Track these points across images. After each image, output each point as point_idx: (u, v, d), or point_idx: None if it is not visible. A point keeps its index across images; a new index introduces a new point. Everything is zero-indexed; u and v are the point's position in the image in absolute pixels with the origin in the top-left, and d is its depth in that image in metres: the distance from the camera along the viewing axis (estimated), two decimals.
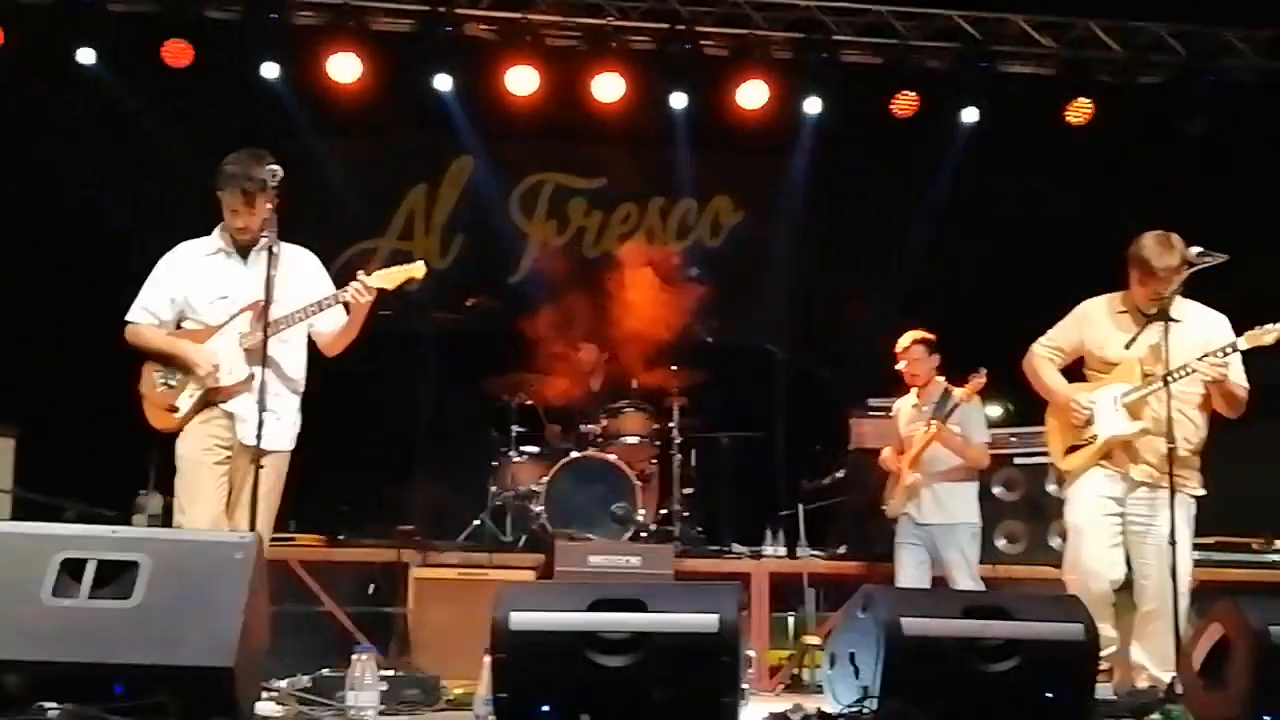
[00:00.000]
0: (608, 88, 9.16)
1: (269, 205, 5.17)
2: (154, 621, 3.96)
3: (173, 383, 5.33)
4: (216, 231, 5.45)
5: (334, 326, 5.47)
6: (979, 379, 6.80)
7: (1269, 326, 5.44)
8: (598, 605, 4.24)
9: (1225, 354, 5.47)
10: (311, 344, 5.56)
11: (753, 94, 9.25)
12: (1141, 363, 5.58)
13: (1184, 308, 5.62)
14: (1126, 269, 5.66)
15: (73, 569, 4.04)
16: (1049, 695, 4.30)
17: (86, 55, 8.63)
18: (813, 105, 9.40)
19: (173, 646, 3.93)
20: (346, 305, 5.36)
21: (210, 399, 5.30)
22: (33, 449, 7.56)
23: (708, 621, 4.18)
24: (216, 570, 4.10)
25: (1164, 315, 5.51)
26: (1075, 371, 5.94)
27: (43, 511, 6.92)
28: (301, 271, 5.47)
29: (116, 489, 7.63)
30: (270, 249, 5.13)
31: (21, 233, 8.72)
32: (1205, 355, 5.45)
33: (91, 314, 7.91)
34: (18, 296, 8.64)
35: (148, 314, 5.42)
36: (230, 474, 5.30)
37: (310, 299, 5.34)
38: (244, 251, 5.41)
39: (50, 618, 3.97)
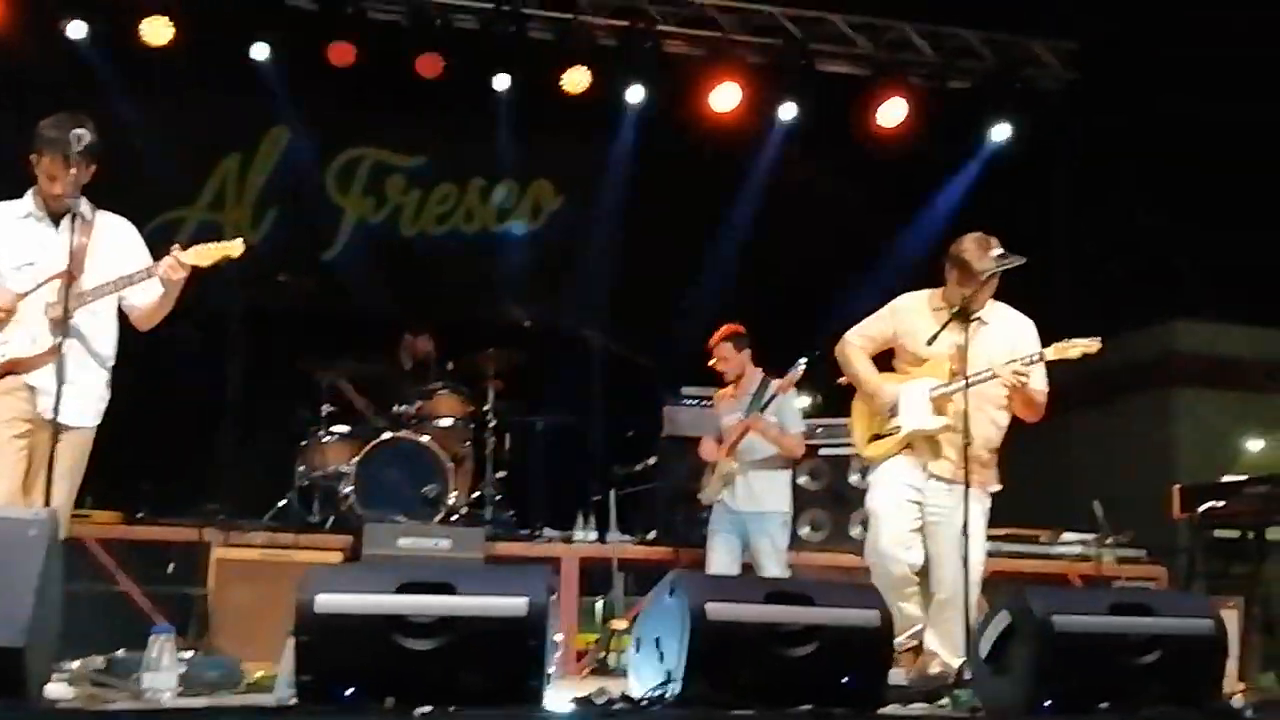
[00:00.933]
0: (429, 65, 9.07)
1: (84, 170, 5.00)
2: None
3: None
4: (29, 194, 5.23)
5: (148, 301, 5.27)
6: (797, 371, 6.94)
7: (1075, 341, 5.60)
8: (406, 588, 4.21)
9: (1030, 362, 5.64)
10: (123, 317, 5.37)
11: (577, 79, 9.27)
12: (950, 360, 5.70)
13: (994, 310, 5.80)
14: (945, 267, 5.81)
15: None
16: (845, 679, 4.43)
17: None
18: (635, 94, 9.47)
19: None
20: (160, 281, 5.16)
21: (11, 369, 5.08)
22: None
23: (516, 605, 4.19)
24: (9, 547, 3.95)
25: (965, 315, 5.69)
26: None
27: None
28: (117, 241, 5.27)
29: None
30: (81, 215, 4.98)
31: None
32: (1010, 362, 5.61)
33: None
34: None
35: None
36: (30, 448, 5.06)
37: (124, 271, 5.15)
38: (56, 217, 5.17)
39: None
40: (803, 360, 6.92)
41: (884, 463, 5.88)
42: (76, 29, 8.55)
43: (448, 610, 4.17)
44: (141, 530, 7.43)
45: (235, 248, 5.26)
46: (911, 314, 5.93)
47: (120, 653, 4.92)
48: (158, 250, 5.25)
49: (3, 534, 4.01)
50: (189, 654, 5.02)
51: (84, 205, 5.12)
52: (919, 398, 5.77)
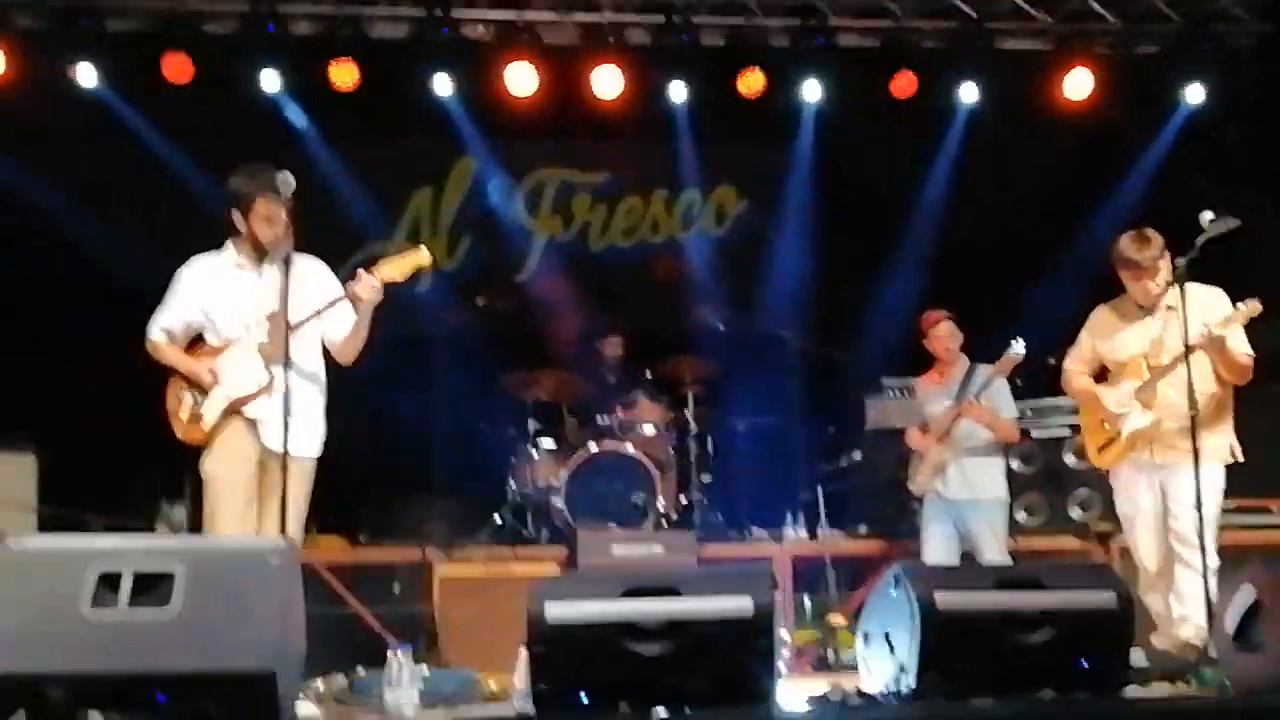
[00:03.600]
0: (607, 82, 9.17)
1: (286, 215, 5.26)
2: (193, 629, 3.97)
3: (196, 396, 5.38)
4: (229, 245, 5.49)
5: (344, 331, 5.47)
6: (1014, 353, 6.76)
7: (1237, 307, 5.78)
8: (631, 593, 4.26)
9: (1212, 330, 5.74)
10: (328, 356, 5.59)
11: (752, 82, 9.24)
12: (1146, 357, 6.00)
13: (1186, 291, 5.79)
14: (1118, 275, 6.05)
15: (110, 581, 4.06)
16: (1084, 664, 4.32)
17: (87, 74, 8.62)
18: (812, 91, 9.40)
19: (213, 653, 3.94)
20: (355, 303, 5.36)
21: (234, 408, 5.34)
22: (54, 467, 7.57)
23: (742, 604, 4.20)
24: (253, 576, 4.12)
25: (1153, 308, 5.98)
26: None
27: (68, 527, 6.95)
28: (313, 279, 5.49)
29: (138, 503, 7.66)
30: (285, 259, 5.20)
31: (37, 254, 8.73)
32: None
33: (109, 330, 7.96)
34: (34, 316, 8.66)
35: (163, 333, 5.49)
36: (259, 485, 5.32)
37: (328, 298, 5.39)
38: (258, 263, 5.44)
39: (90, 629, 3.98)
40: (1019, 342, 6.75)
41: (1118, 470, 6.16)
42: (270, 80, 8.85)
43: (675, 614, 4.20)
44: (365, 553, 7.69)
45: (423, 257, 5.45)
46: (1103, 326, 6.24)
47: (361, 671, 5.10)
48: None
49: (245, 564, 4.18)
50: (425, 669, 5.17)
51: (284, 249, 5.30)
52: (1124, 400, 6.03)
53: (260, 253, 5.41)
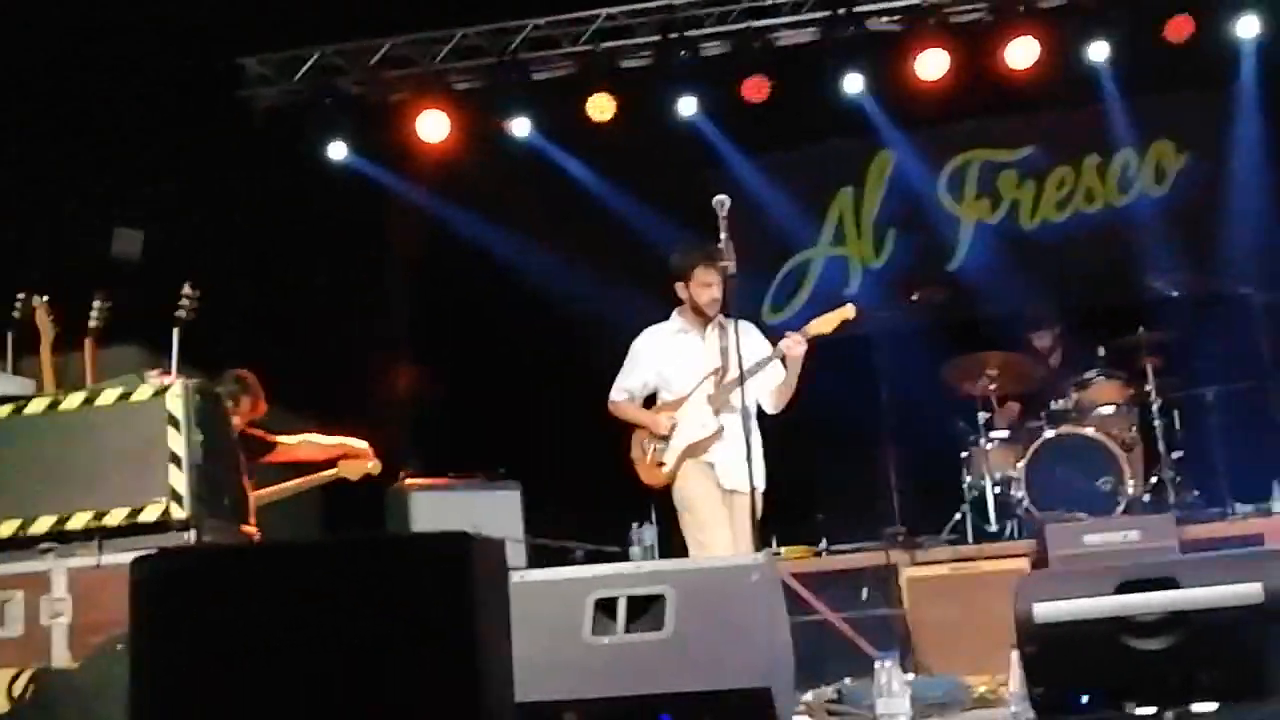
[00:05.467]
0: (1021, 53, 8.84)
1: (723, 279, 5.79)
2: (688, 649, 4.10)
3: (657, 445, 6.02)
4: (675, 314, 6.16)
5: (772, 385, 5.99)
6: None
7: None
8: (1125, 587, 4.06)
9: None
10: None
11: (1179, 27, 8.67)
12: None
13: None
14: None
15: (605, 607, 4.26)
16: None
17: (521, 126, 9.15)
18: (1248, 26, 8.71)
19: (711, 672, 4.06)
20: (784, 360, 5.89)
21: (691, 454, 5.96)
22: (535, 499, 8.08)
23: (1251, 591, 3.92)
24: (737, 593, 4.22)
25: None
26: None
27: (553, 555, 7.39)
28: (748, 338, 5.95)
29: (611, 529, 8.04)
30: (721, 324, 5.96)
31: (503, 300, 9.37)
32: None
33: (572, 365, 8.42)
34: (507, 359, 9.28)
35: (625, 392, 6.21)
36: (726, 508, 5.86)
37: (757, 360, 5.90)
38: (701, 327, 6.09)
39: (593, 655, 4.19)
40: None
41: None
42: (687, 105, 9.09)
43: (1176, 605, 3.97)
44: (831, 561, 7.74)
45: (849, 312, 5.97)
46: None
47: (847, 681, 5.11)
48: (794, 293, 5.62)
49: (729, 581, 4.29)
50: (909, 676, 5.13)
51: (719, 313, 5.99)
52: None
53: (702, 318, 6.05)
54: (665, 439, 6.00)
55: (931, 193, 9.94)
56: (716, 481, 5.92)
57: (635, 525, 7.82)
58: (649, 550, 7.74)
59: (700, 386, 6.01)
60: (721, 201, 5.53)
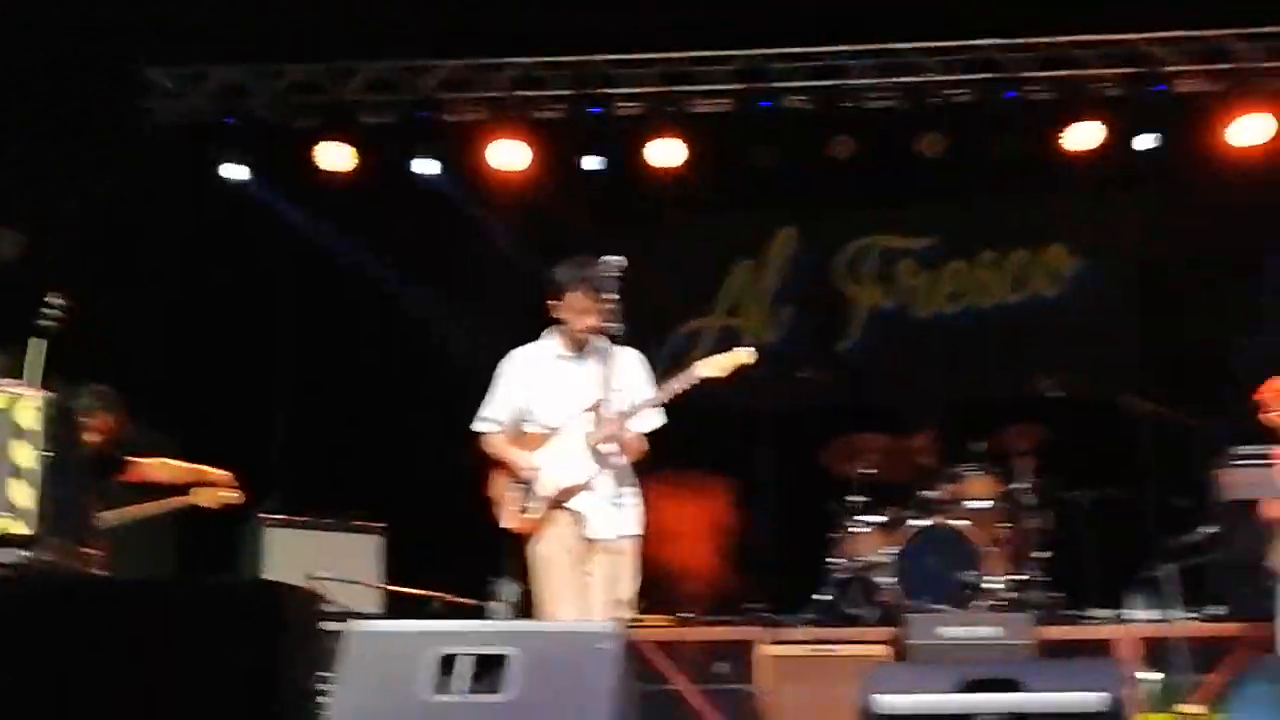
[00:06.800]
0: (929, 143, 8.97)
1: (604, 306, 5.32)
2: (529, 714, 4.01)
3: (523, 489, 5.49)
4: (551, 336, 5.60)
5: (647, 429, 5.48)
6: None
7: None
8: (970, 686, 4.06)
9: None
10: None
11: (1083, 135, 8.87)
12: None
13: None
14: None
15: (448, 664, 4.14)
16: None
17: (428, 166, 9.08)
18: (1145, 141, 8.93)
19: None
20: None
21: (558, 501, 5.44)
22: (396, 544, 7.91)
23: (1095, 700, 3.93)
24: (584, 659, 4.13)
25: None
26: None
27: (410, 604, 7.23)
28: (632, 370, 5.52)
29: (473, 578, 7.90)
30: (604, 349, 5.35)
31: (382, 338, 9.25)
32: None
33: (440, 414, 8.29)
34: (373, 403, 9.14)
35: (491, 424, 5.62)
36: (588, 563, 5.41)
37: (643, 396, 5.44)
38: (578, 352, 5.52)
39: (431, 713, 4.06)
40: None
41: None
42: (590, 162, 9.09)
43: (1019, 708, 3.97)
44: (690, 631, 7.67)
45: (748, 355, 5.45)
46: None
47: None
48: (681, 361, 5.50)
49: (576, 647, 4.20)
50: None
51: (601, 339, 5.43)
52: None
53: (579, 342, 5.49)
54: (528, 483, 5.46)
55: (829, 274, 10.01)
56: (580, 534, 5.39)
57: (496, 579, 7.68)
58: (512, 605, 7.61)
59: (574, 421, 5.44)
60: (609, 263, 5.26)
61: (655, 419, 5.50)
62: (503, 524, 5.56)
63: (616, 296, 5.31)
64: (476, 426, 5.65)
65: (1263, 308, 9.01)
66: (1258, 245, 9.06)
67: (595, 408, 5.35)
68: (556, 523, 5.45)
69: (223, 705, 2.60)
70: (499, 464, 5.58)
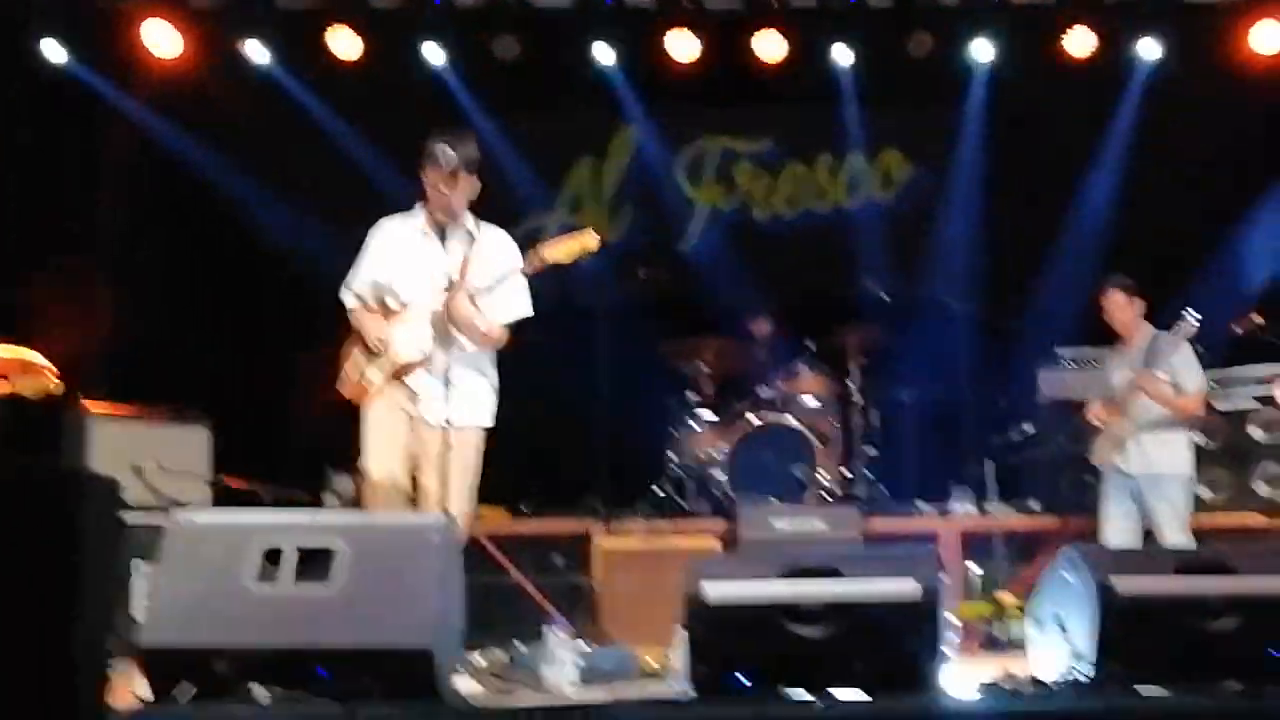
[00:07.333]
0: (769, 47, 8.99)
1: (469, 183, 5.36)
2: (354, 605, 4.02)
3: (370, 361, 5.49)
4: (418, 208, 5.55)
5: (513, 314, 5.51)
6: (1185, 325, 6.45)
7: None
8: (792, 574, 4.17)
9: None
10: None
11: (921, 42, 8.97)
12: None
13: None
14: None
15: (274, 556, 4.12)
16: (1275, 654, 4.08)
17: (258, 52, 8.79)
18: (982, 51, 9.08)
19: (373, 629, 3.99)
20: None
21: (399, 375, 5.42)
22: (225, 437, 7.74)
23: (907, 587, 4.07)
24: (413, 553, 4.14)
25: None
26: None
27: (240, 497, 7.12)
28: (499, 254, 5.53)
29: (306, 470, 7.82)
30: (468, 229, 5.38)
31: (209, 229, 8.99)
32: None
33: (277, 302, 8.14)
34: (204, 289, 8.91)
35: (353, 296, 5.62)
36: (417, 445, 5.41)
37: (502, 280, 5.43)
38: (443, 231, 5.48)
39: (255, 604, 4.05)
40: (1192, 314, 6.43)
41: None
42: (433, 53, 8.90)
43: (837, 595, 4.10)
44: (526, 524, 7.72)
45: (591, 240, 5.44)
46: None
47: (520, 646, 5.10)
48: (523, 255, 5.51)
49: (406, 541, 4.20)
50: (583, 645, 5.14)
51: (469, 219, 5.45)
52: None
53: (443, 220, 5.44)
54: (377, 354, 5.45)
55: (670, 174, 10.02)
56: (413, 413, 5.41)
57: (332, 472, 7.62)
58: (346, 499, 7.56)
59: (428, 299, 5.38)
60: (443, 149, 5.25)
61: (519, 309, 5.53)
62: (344, 392, 5.56)
63: (474, 184, 5.36)
64: (342, 296, 5.65)
65: (1081, 219, 9.30)
66: (1082, 155, 9.33)
67: (452, 288, 5.30)
68: (392, 396, 5.44)
69: (18, 596, 2.53)
70: (357, 335, 5.58)
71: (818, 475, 7.70)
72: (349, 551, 4.10)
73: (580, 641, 5.04)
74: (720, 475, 7.79)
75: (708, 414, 8.25)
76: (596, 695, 4.45)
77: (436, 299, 5.35)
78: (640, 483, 8.14)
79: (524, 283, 5.52)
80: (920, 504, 8.00)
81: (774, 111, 9.89)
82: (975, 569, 7.42)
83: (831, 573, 4.13)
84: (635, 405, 8.39)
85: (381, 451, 5.42)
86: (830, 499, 7.74)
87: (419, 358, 5.37)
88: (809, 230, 9.98)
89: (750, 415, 7.96)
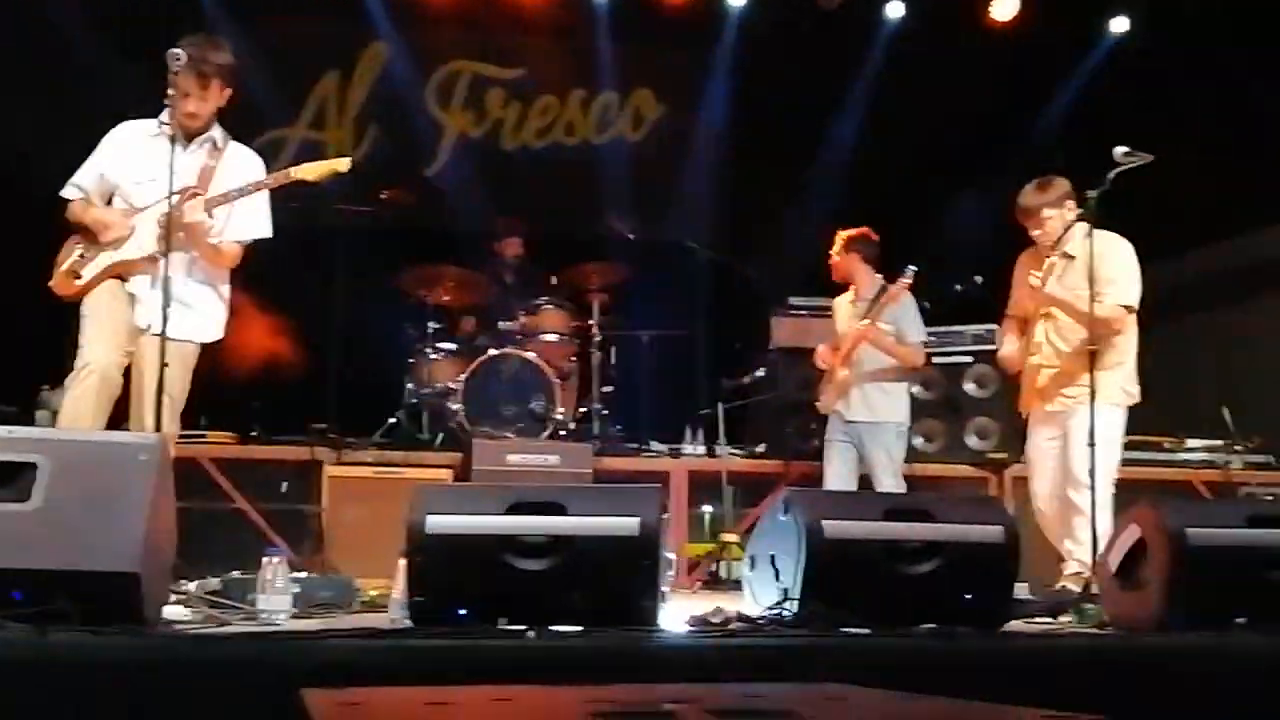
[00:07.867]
0: None
1: (217, 92, 5.22)
2: (54, 525, 3.80)
3: (86, 254, 5.29)
4: (164, 114, 5.28)
5: (249, 233, 5.38)
6: (907, 278, 6.72)
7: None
8: (516, 508, 4.16)
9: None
10: None
11: None
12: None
13: (1086, 240, 5.78)
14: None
15: None
16: (968, 596, 4.30)
17: None
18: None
19: (74, 551, 3.78)
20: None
21: (115, 272, 5.25)
22: None
23: (628, 525, 4.11)
24: (120, 472, 3.94)
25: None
26: None
27: None
28: (243, 169, 5.37)
29: (16, 386, 7.40)
30: (213, 140, 5.26)
31: None
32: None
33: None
34: None
35: (76, 189, 5.37)
36: (135, 350, 5.21)
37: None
38: (187, 138, 5.28)
39: None
40: (911, 268, 6.71)
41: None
42: None
43: (559, 530, 4.10)
44: (254, 449, 7.50)
45: (342, 164, 5.45)
46: (1020, 272, 6.27)
47: (235, 574, 4.96)
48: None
49: (113, 459, 4.01)
50: (303, 574, 5.05)
51: (216, 130, 5.34)
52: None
53: (185, 127, 5.23)
54: (92, 247, 5.25)
55: (419, 95, 9.82)
56: (132, 317, 5.22)
57: (45, 388, 7.22)
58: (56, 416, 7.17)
59: (158, 204, 5.15)
60: (175, 55, 4.95)
61: (258, 229, 5.42)
62: (53, 285, 5.33)
63: (226, 92, 5.24)
64: (64, 192, 5.38)
65: (828, 165, 9.56)
66: (826, 104, 9.56)
67: (185, 195, 5.12)
68: (107, 293, 5.26)
69: None
70: (77, 230, 5.36)
71: (554, 411, 7.71)
72: (50, 467, 3.88)
73: (299, 570, 4.93)
74: (456, 406, 7.71)
75: (446, 344, 8.16)
76: (310, 625, 4.36)
77: (164, 204, 5.11)
78: (375, 411, 8.00)
79: (266, 203, 5.39)
80: (653, 444, 8.12)
81: (530, 42, 9.81)
82: (704, 509, 7.61)
83: (556, 508, 4.14)
84: (373, 331, 8.25)
85: (95, 346, 5.18)
86: (565, 435, 7.77)
87: (138, 255, 5.22)
88: (557, 164, 9.97)
89: (489, 347, 7.90)
